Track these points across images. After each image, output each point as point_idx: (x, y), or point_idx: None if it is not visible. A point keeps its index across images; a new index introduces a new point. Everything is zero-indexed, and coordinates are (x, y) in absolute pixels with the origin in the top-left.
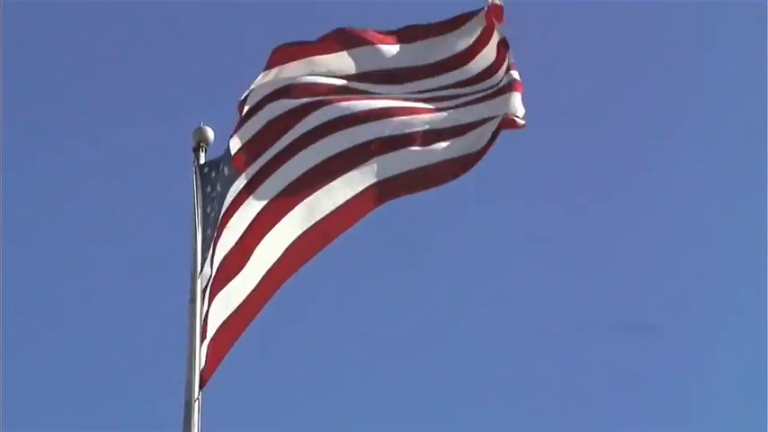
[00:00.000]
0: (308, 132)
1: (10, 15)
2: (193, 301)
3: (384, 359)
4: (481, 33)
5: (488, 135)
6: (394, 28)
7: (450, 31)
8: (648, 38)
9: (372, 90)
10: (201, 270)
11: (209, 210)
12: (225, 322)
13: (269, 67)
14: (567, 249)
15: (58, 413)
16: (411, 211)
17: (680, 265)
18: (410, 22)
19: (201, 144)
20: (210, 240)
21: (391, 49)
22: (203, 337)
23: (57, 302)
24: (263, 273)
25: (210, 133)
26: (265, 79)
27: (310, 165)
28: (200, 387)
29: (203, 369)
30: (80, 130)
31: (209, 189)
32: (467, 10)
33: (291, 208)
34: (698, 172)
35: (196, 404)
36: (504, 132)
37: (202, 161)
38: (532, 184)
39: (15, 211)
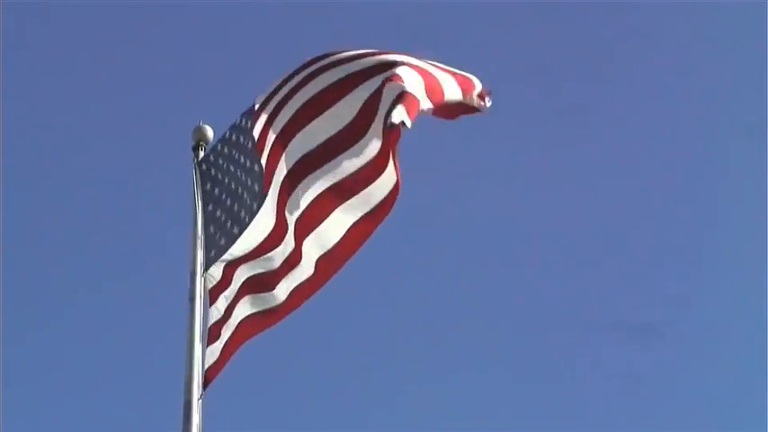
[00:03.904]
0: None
1: (10, 15)
2: (193, 300)
3: (384, 359)
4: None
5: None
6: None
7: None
8: (648, 38)
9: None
10: (204, 270)
11: (210, 208)
12: (246, 320)
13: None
14: (568, 249)
15: (58, 413)
16: (411, 213)
17: (680, 265)
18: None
19: (201, 143)
20: (212, 238)
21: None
22: (216, 332)
23: (56, 302)
24: (298, 282)
25: (210, 132)
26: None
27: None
28: (205, 386)
29: (210, 367)
30: (80, 129)
31: (208, 186)
32: None
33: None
34: (698, 171)
35: (196, 404)
36: (504, 132)
37: None
38: (532, 183)
39: (15, 211)
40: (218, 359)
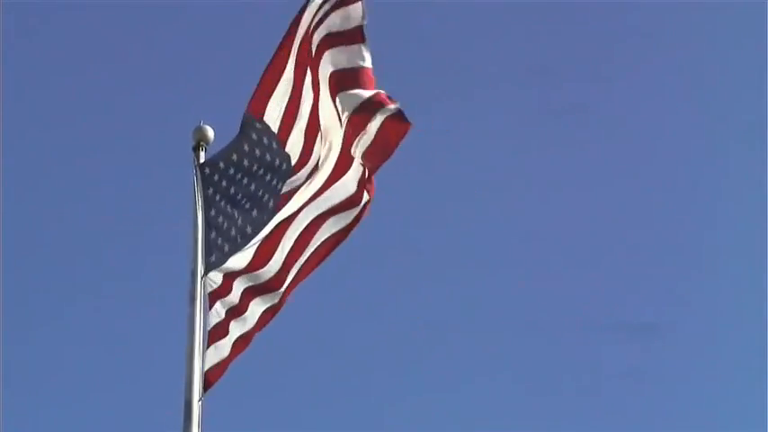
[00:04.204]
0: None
1: (10, 15)
2: (193, 301)
3: (384, 359)
4: None
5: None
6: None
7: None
8: (649, 38)
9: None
10: (204, 274)
11: (212, 213)
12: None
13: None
14: (568, 249)
15: (58, 413)
16: (412, 212)
17: (680, 265)
18: None
19: (201, 143)
20: (214, 243)
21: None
22: (217, 335)
23: (57, 302)
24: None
25: (210, 132)
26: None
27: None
28: (206, 388)
29: (212, 369)
30: (80, 129)
31: (210, 191)
32: None
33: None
34: (698, 171)
35: (197, 404)
36: (504, 132)
37: (202, 160)
38: (532, 184)
39: (15, 211)
40: (222, 360)
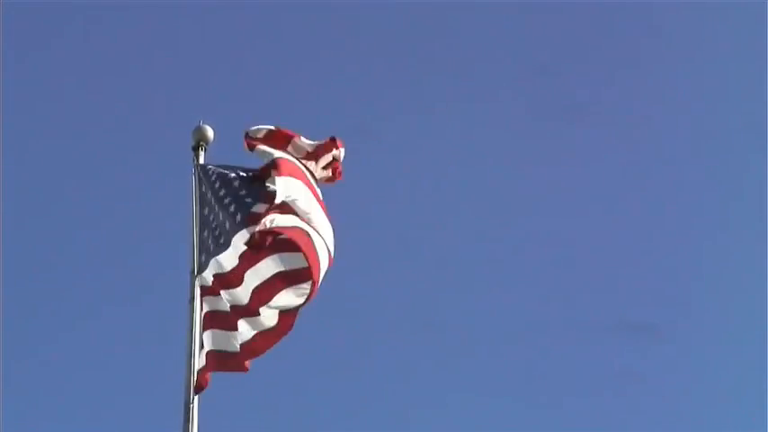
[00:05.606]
0: None
1: (11, 15)
2: (193, 301)
3: (383, 359)
4: None
5: None
6: None
7: None
8: (649, 38)
9: None
10: (197, 271)
11: (206, 211)
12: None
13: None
14: (568, 249)
15: (58, 413)
16: (412, 214)
17: (680, 265)
18: None
19: (201, 143)
20: (206, 242)
21: None
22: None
23: (57, 302)
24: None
25: (210, 132)
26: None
27: None
28: (197, 391)
29: (200, 372)
30: (80, 129)
31: (203, 189)
32: None
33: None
34: (698, 172)
35: (196, 405)
36: (504, 132)
37: (202, 160)
38: (532, 185)
39: (15, 211)
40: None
